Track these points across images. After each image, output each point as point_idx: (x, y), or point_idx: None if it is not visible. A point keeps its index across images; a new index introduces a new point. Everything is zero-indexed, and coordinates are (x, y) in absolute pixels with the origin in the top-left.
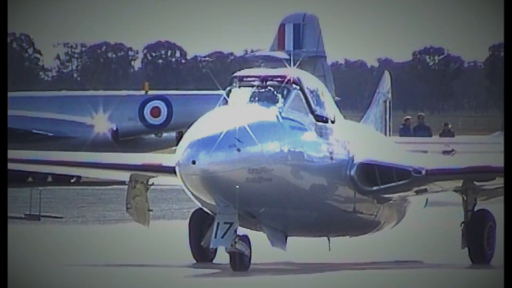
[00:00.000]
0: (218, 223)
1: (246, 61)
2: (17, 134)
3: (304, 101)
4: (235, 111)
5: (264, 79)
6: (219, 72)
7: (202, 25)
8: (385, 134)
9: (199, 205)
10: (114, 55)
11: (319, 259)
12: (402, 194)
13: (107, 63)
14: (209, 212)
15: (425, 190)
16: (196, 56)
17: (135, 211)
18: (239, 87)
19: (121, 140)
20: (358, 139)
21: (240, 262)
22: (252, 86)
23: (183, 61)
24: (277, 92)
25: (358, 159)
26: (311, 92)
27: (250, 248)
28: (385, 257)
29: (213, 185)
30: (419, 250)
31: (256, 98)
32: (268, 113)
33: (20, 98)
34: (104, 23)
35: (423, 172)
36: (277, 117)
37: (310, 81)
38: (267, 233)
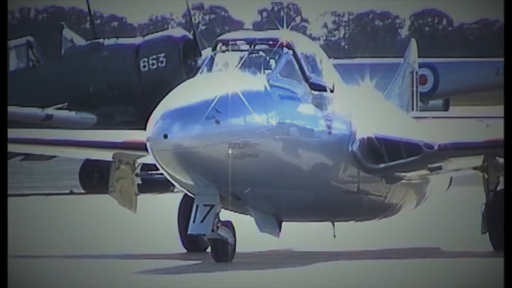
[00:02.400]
0: (197, 206)
1: None
2: None
3: (297, 67)
4: (216, 78)
5: (252, 42)
6: (485, 40)
7: None
8: (412, 108)
9: (178, 186)
10: (381, 23)
11: (320, 247)
12: (413, 172)
13: (374, 31)
14: (189, 194)
15: (440, 168)
16: (462, 24)
17: (119, 194)
18: (224, 51)
19: None
20: (363, 111)
21: (223, 251)
22: (240, 50)
23: (450, 28)
24: (269, 57)
25: (361, 133)
26: (306, 57)
27: (234, 235)
28: (397, 244)
29: (188, 162)
30: (436, 236)
31: (244, 64)
32: (254, 80)
33: None
34: None
35: (436, 147)
36: (264, 85)
37: (306, 45)
38: (254, 217)
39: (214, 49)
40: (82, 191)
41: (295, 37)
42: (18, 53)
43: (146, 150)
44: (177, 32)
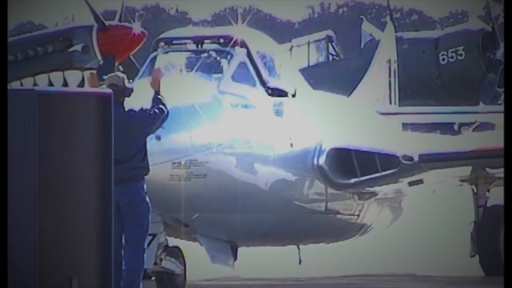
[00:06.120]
0: None
1: None
2: None
3: (252, 69)
4: None
5: (199, 41)
6: None
7: None
8: (390, 102)
9: None
10: None
11: (284, 273)
12: (390, 186)
13: None
14: None
15: (421, 182)
16: None
17: None
18: (167, 52)
19: None
20: (332, 118)
21: (171, 283)
22: (187, 51)
23: None
24: (220, 58)
25: (329, 144)
26: (263, 57)
27: (184, 263)
28: (370, 268)
29: None
30: (412, 259)
31: (191, 67)
32: (201, 87)
33: None
34: None
35: (415, 158)
36: (212, 92)
37: (263, 43)
38: (205, 246)
39: (155, 49)
40: None
41: (250, 34)
42: (318, 47)
43: None
44: (475, 25)
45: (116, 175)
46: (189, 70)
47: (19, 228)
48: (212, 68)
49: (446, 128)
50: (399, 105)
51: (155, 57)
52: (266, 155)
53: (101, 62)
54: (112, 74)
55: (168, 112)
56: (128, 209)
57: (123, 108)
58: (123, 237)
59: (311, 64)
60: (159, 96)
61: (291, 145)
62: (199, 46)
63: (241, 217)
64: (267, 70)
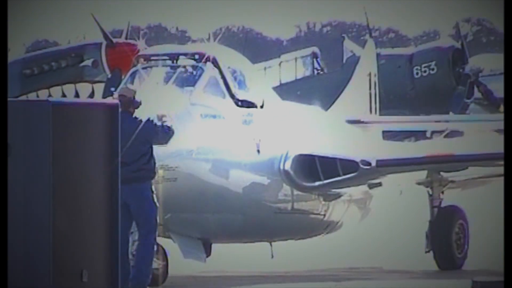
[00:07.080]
0: None
1: None
2: None
3: (222, 82)
4: None
5: (174, 57)
6: None
7: None
8: (370, 111)
9: None
10: None
11: (257, 267)
12: (353, 188)
13: None
14: None
15: (380, 184)
16: None
17: None
18: (144, 68)
19: None
20: (297, 127)
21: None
22: (166, 66)
23: None
24: (195, 73)
25: (294, 151)
26: (234, 72)
27: (165, 257)
28: (338, 262)
29: None
30: (378, 254)
31: (167, 81)
32: (173, 99)
33: None
34: None
35: (373, 163)
36: (184, 103)
37: (233, 58)
38: (177, 242)
39: (135, 65)
40: None
41: (220, 50)
42: (304, 63)
43: None
44: (446, 42)
45: (123, 176)
46: (165, 83)
47: (36, 225)
48: (187, 82)
49: (419, 135)
50: (379, 115)
51: (134, 72)
52: (235, 160)
53: (109, 76)
54: (125, 86)
55: (173, 132)
56: (135, 208)
57: (131, 115)
58: (131, 232)
59: (298, 77)
60: (164, 119)
61: (258, 151)
62: (175, 61)
63: (213, 216)
64: (237, 84)
